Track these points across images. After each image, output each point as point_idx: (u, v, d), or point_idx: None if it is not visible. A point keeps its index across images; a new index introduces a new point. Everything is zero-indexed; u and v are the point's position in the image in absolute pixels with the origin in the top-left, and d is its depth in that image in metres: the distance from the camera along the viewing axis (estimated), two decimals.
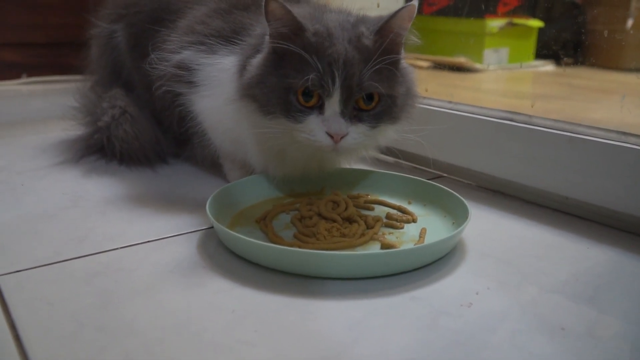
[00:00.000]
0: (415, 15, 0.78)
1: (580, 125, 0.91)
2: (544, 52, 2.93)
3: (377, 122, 0.80)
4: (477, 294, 0.68)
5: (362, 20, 0.83)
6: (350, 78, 0.76)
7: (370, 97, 0.79)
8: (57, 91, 2.12)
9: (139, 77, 1.14)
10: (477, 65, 2.70)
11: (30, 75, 2.27)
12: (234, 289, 0.68)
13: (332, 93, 0.77)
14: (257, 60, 0.83)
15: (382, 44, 0.78)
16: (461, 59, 2.71)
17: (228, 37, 0.93)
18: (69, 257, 0.75)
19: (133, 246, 0.79)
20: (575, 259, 0.79)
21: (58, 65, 2.31)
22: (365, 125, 0.79)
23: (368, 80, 0.77)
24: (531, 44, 2.92)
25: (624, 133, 0.86)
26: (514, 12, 2.83)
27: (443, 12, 2.86)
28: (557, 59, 2.95)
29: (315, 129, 0.79)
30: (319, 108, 0.79)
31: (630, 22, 2.89)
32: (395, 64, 0.81)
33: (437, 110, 1.10)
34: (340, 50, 0.76)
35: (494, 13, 2.76)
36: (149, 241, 0.81)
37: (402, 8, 0.77)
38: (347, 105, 0.78)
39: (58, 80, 2.28)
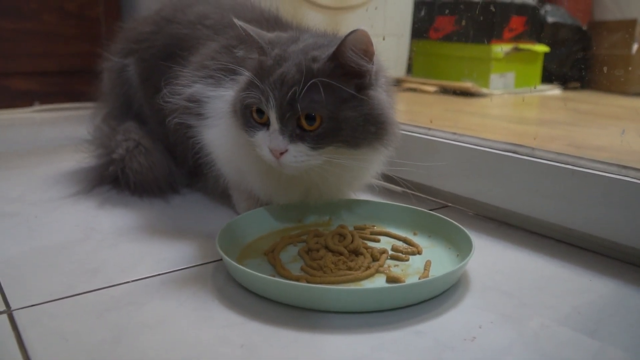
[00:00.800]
0: (369, 41, 0.79)
1: (582, 158, 0.93)
2: (550, 76, 2.96)
3: (317, 143, 0.82)
4: (480, 327, 0.70)
5: (328, 44, 0.86)
6: (283, 98, 0.80)
7: (312, 119, 0.81)
8: (69, 118, 2.16)
9: (151, 110, 1.17)
10: (484, 90, 2.73)
11: (42, 103, 2.30)
12: (243, 323, 0.70)
13: (269, 111, 0.82)
14: (242, 79, 0.91)
15: (334, 69, 0.81)
16: (467, 84, 2.73)
17: (233, 70, 0.96)
18: (82, 291, 0.77)
19: (144, 279, 0.81)
20: (577, 291, 0.80)
21: (70, 93, 2.36)
22: (305, 145, 0.82)
23: (304, 101, 0.80)
24: (537, 68, 2.95)
25: (624, 167, 0.87)
26: (519, 38, 2.87)
27: (449, 38, 2.90)
28: (563, 84, 2.99)
29: (261, 144, 0.85)
30: (268, 125, 0.84)
31: (635, 47, 2.92)
32: (356, 87, 0.83)
33: (442, 142, 1.12)
34: (283, 71, 0.81)
35: (499, 38, 2.79)
36: (159, 274, 0.83)
37: (350, 33, 0.78)
38: (286, 124, 0.82)
39: (70, 108, 2.33)
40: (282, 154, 0.82)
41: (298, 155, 0.82)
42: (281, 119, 0.81)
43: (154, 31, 1.21)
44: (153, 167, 1.15)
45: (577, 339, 0.68)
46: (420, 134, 1.17)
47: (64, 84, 2.35)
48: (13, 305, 0.73)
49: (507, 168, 1.01)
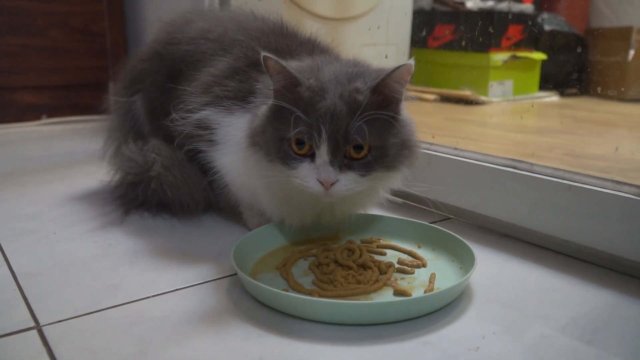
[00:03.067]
0: (410, 72, 0.84)
1: (578, 174, 0.97)
2: (548, 83, 3.00)
3: (367, 171, 0.85)
4: (483, 338, 0.74)
5: (361, 73, 0.88)
6: (337, 132, 0.82)
7: (359, 147, 0.84)
8: (76, 131, 2.21)
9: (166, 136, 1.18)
10: (483, 98, 2.77)
11: (49, 116, 2.35)
12: (260, 336, 0.74)
13: (319, 145, 0.83)
14: (262, 110, 0.91)
15: (377, 99, 0.84)
16: (467, 92, 2.78)
17: (243, 97, 1.00)
18: (106, 307, 0.82)
19: (164, 294, 0.85)
20: (575, 301, 0.85)
21: (76, 106, 2.41)
22: (355, 173, 0.84)
23: (354, 133, 0.82)
24: (535, 76, 2.99)
25: (618, 182, 0.92)
26: (517, 46, 2.91)
27: (448, 46, 2.94)
28: (560, 90, 3.03)
29: (307, 175, 0.85)
30: (311, 156, 0.85)
31: (631, 54, 2.96)
32: (391, 116, 0.86)
33: (444, 157, 1.16)
34: (330, 104, 0.82)
35: (498, 47, 2.84)
36: (178, 289, 0.87)
37: (400, 66, 0.82)
38: (336, 155, 0.83)
39: (76, 121, 2.37)
40: (332, 184, 0.83)
41: (348, 183, 0.84)
42: (333, 151, 0.83)
43: (154, 61, 1.22)
44: (189, 181, 1.15)
45: (575, 348, 0.72)
46: (422, 148, 1.21)
47: (70, 97, 2.39)
48: (42, 321, 0.78)
49: (507, 183, 1.05)
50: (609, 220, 0.91)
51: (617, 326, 0.78)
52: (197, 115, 1.04)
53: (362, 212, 1.07)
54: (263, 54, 0.85)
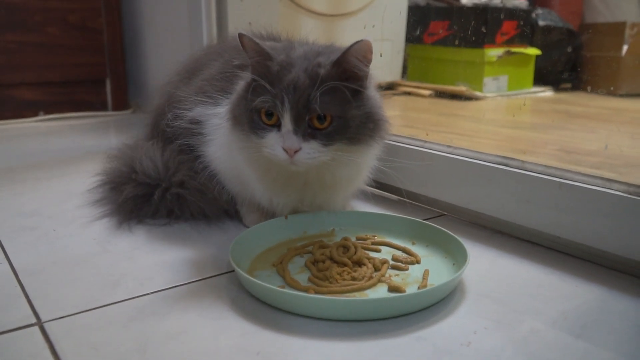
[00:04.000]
0: (371, 49, 0.90)
1: (568, 171, 0.99)
2: (542, 78, 3.02)
3: (329, 140, 0.90)
4: (475, 333, 0.76)
5: (326, 51, 0.95)
6: (298, 101, 0.88)
7: (323, 118, 0.89)
8: (73, 127, 2.23)
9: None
10: (478, 93, 2.79)
11: (47, 112, 2.37)
12: (257, 332, 0.76)
13: (283, 113, 0.89)
14: (239, 85, 1.00)
15: (337, 72, 0.90)
16: (462, 88, 2.79)
17: (229, 92, 1.06)
18: (106, 303, 0.83)
19: (163, 291, 0.87)
20: (564, 296, 0.87)
21: (73, 102, 2.43)
22: (318, 142, 0.90)
23: (314, 103, 0.88)
24: (529, 71, 3.01)
25: (608, 180, 0.94)
26: (511, 41, 2.92)
27: (444, 42, 2.96)
28: (554, 85, 3.05)
29: (274, 144, 0.91)
30: (278, 127, 0.91)
31: (625, 49, 2.98)
32: (355, 90, 0.92)
33: (437, 154, 1.18)
34: (294, 77, 0.89)
35: (492, 42, 2.85)
36: (177, 285, 0.89)
37: (357, 42, 0.88)
38: (299, 124, 0.89)
39: (74, 117, 2.40)
40: (296, 152, 0.89)
41: (311, 152, 0.90)
42: (295, 120, 0.89)
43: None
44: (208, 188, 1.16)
45: (565, 342, 0.74)
46: (416, 146, 1.23)
47: (67, 93, 2.41)
48: (43, 318, 0.79)
49: (499, 180, 1.07)
50: (598, 216, 0.93)
51: (606, 320, 0.80)
52: (190, 114, 1.10)
53: (351, 206, 1.10)
54: (239, 32, 0.92)
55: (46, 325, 0.78)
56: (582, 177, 0.97)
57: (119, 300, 0.84)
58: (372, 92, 0.97)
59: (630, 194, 0.90)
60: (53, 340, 0.74)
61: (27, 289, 0.88)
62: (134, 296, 0.85)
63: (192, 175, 1.14)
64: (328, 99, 0.89)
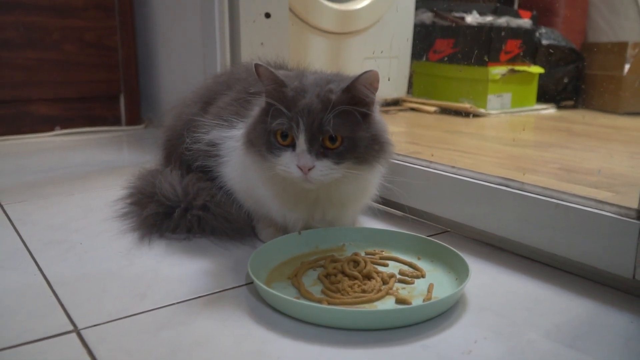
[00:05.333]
0: (378, 78, 0.99)
1: (565, 193, 1.06)
2: (545, 96, 3.09)
3: (340, 159, 0.99)
4: (475, 342, 0.83)
5: (335, 79, 1.05)
6: (312, 124, 0.97)
7: (334, 138, 0.98)
8: (88, 142, 2.31)
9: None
10: (482, 110, 2.85)
11: (63, 127, 2.44)
12: (276, 340, 0.83)
13: (298, 135, 0.98)
14: (254, 112, 1.09)
15: (347, 98, 0.99)
16: (466, 105, 2.86)
17: (244, 115, 1.15)
18: (136, 312, 0.90)
19: (188, 301, 0.94)
20: (559, 310, 0.93)
21: (89, 117, 2.51)
22: (329, 160, 0.99)
23: (327, 125, 0.97)
24: (533, 89, 3.08)
25: (601, 202, 1.01)
26: (515, 60, 3.00)
27: (449, 60, 3.03)
28: (557, 103, 3.11)
29: (289, 162, 0.99)
30: (293, 146, 0.99)
31: (626, 68, 3.05)
32: (363, 114, 1.01)
33: (441, 174, 1.25)
34: (308, 102, 0.98)
35: (496, 61, 2.92)
36: (200, 296, 0.96)
37: (365, 72, 0.97)
38: (313, 144, 0.98)
39: (89, 132, 2.47)
40: (309, 170, 0.97)
41: (324, 169, 0.98)
42: (309, 140, 0.97)
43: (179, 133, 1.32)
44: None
45: (557, 352, 0.81)
46: (422, 166, 1.31)
47: (82, 109, 2.49)
48: (79, 325, 0.86)
49: (500, 199, 1.14)
50: (591, 236, 1.00)
51: (596, 333, 0.87)
52: (207, 137, 1.20)
53: (360, 222, 1.18)
54: (255, 62, 1.01)
55: (83, 332, 0.85)
56: (577, 198, 1.04)
57: (147, 309, 0.91)
58: (378, 117, 1.07)
59: (621, 216, 0.97)
60: (91, 346, 0.81)
61: (61, 298, 0.95)
62: (160, 306, 0.93)
63: (212, 200, 1.22)
64: (339, 122, 0.98)
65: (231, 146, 1.17)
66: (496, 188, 1.15)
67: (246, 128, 1.09)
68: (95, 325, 0.86)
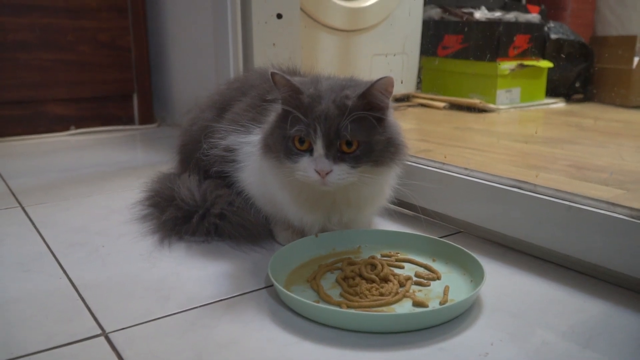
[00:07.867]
0: (393, 84, 1.01)
1: (577, 195, 1.08)
2: (554, 90, 3.10)
3: (356, 163, 1.02)
4: (492, 344, 0.85)
5: (349, 84, 1.07)
6: (329, 129, 1.00)
7: (351, 143, 1.01)
8: (103, 141, 2.34)
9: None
10: (491, 105, 2.87)
11: (77, 127, 2.48)
12: (298, 342, 0.86)
13: (316, 140, 1.00)
14: (271, 118, 1.12)
15: (362, 104, 1.02)
16: (475, 100, 2.87)
17: (260, 121, 1.18)
18: (162, 315, 0.93)
19: (211, 304, 0.97)
20: (573, 311, 0.96)
21: (103, 117, 2.54)
22: (346, 164, 1.01)
23: (344, 130, 0.99)
24: (542, 83, 3.09)
25: (613, 204, 1.03)
26: (524, 54, 3.00)
27: (457, 55, 3.04)
28: (566, 97, 3.12)
29: (307, 167, 1.02)
30: (310, 151, 1.02)
31: (636, 61, 3.05)
32: (378, 119, 1.03)
33: (455, 176, 1.28)
34: (324, 108, 1.01)
35: (505, 56, 2.93)
36: (223, 299, 0.99)
37: (381, 79, 1.00)
38: (330, 149, 1.00)
39: (103, 131, 2.50)
40: (327, 174, 1.00)
41: (341, 173, 1.01)
42: (327, 145, 1.00)
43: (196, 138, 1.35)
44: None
45: (572, 353, 0.83)
46: (435, 168, 1.33)
47: (97, 108, 2.52)
48: (107, 328, 0.89)
49: (513, 201, 1.16)
50: (603, 237, 1.02)
51: (610, 333, 0.89)
52: (224, 142, 1.22)
53: (375, 223, 1.20)
54: (271, 70, 1.04)
55: (111, 336, 0.87)
56: (588, 200, 1.06)
57: (172, 312, 0.94)
58: (393, 120, 1.09)
59: (633, 217, 0.99)
60: (119, 350, 0.84)
61: (88, 302, 0.98)
62: (184, 309, 0.95)
63: (229, 208, 1.24)
64: (355, 127, 1.00)
65: (248, 151, 1.20)
66: (509, 190, 1.17)
67: (263, 134, 1.12)
68: (122, 329, 0.89)
